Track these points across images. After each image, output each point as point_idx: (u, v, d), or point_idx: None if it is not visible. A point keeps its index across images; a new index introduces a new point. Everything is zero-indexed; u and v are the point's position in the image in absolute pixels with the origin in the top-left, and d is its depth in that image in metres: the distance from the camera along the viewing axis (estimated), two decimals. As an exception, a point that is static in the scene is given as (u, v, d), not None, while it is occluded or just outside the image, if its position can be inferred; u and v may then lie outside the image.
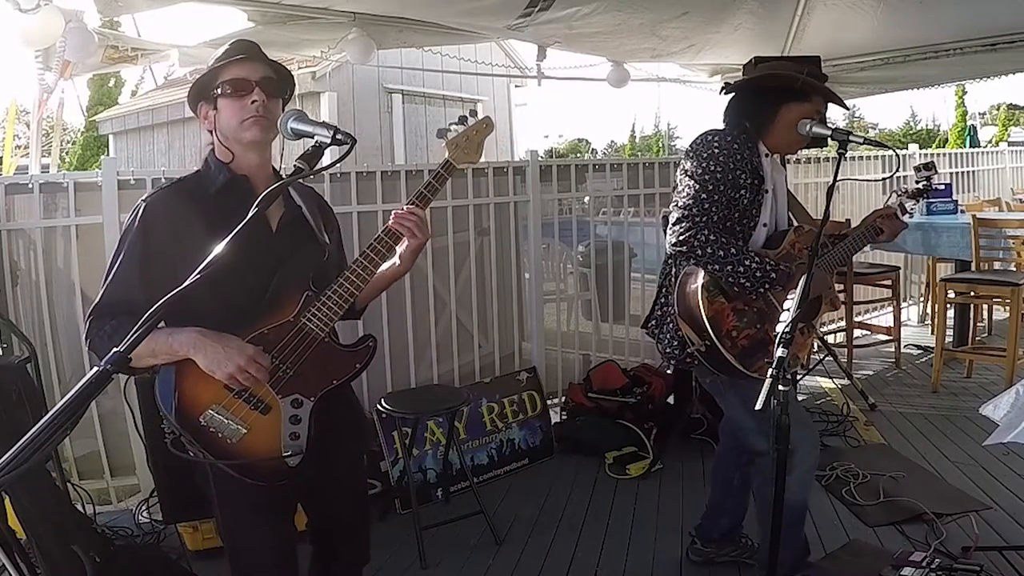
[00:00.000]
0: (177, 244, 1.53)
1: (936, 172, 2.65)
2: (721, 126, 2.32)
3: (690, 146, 2.27)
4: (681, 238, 2.15)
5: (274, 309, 1.58)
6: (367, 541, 1.96)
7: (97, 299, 1.54)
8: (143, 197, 1.60)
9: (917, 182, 2.53)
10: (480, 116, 1.85)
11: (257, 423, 1.53)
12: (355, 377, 1.69)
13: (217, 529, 1.75)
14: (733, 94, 2.34)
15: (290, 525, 1.77)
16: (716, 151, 2.18)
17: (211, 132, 1.65)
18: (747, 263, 2.13)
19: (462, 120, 1.82)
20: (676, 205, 2.21)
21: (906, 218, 2.46)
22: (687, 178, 2.20)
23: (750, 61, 2.41)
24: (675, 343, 2.29)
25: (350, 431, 1.82)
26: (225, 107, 1.61)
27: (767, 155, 2.27)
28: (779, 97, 2.23)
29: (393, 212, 1.72)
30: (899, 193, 2.48)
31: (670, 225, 2.20)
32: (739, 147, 2.18)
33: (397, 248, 1.73)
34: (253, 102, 1.60)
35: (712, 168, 2.16)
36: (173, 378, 1.51)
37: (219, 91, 1.61)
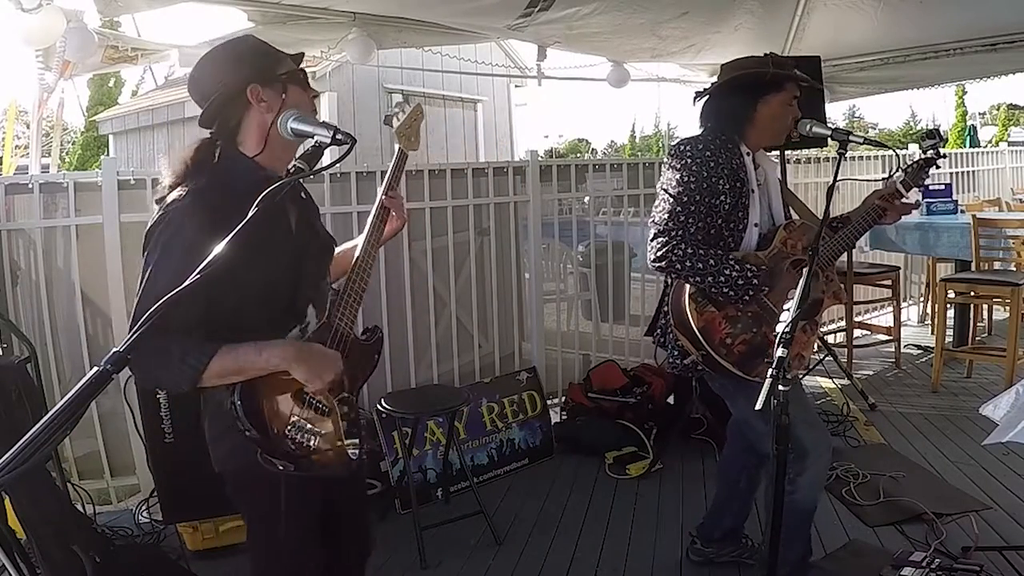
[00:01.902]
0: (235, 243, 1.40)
1: (943, 140, 2.48)
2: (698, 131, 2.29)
3: (666, 158, 2.26)
4: (659, 254, 2.14)
5: (304, 308, 1.60)
6: (369, 531, 1.96)
7: (149, 321, 1.42)
8: (173, 206, 1.46)
9: (924, 151, 2.38)
10: (412, 105, 1.96)
11: (324, 426, 1.56)
12: (375, 369, 1.75)
13: (256, 542, 1.71)
14: (707, 99, 2.31)
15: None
16: (689, 161, 2.16)
17: (245, 116, 1.56)
18: (727, 272, 2.11)
19: (400, 107, 1.93)
20: (653, 221, 2.19)
21: (912, 194, 2.32)
22: (663, 192, 2.19)
23: (724, 65, 2.35)
24: (676, 352, 2.28)
25: None
26: (298, 95, 1.59)
27: (749, 153, 2.24)
28: (754, 93, 2.22)
29: (383, 194, 1.81)
30: (904, 168, 2.34)
31: (648, 241, 2.19)
32: (713, 153, 2.16)
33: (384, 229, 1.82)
34: (314, 97, 1.64)
35: (686, 179, 2.14)
36: (256, 396, 1.48)
37: (289, 76, 1.58)
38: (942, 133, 2.41)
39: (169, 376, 1.39)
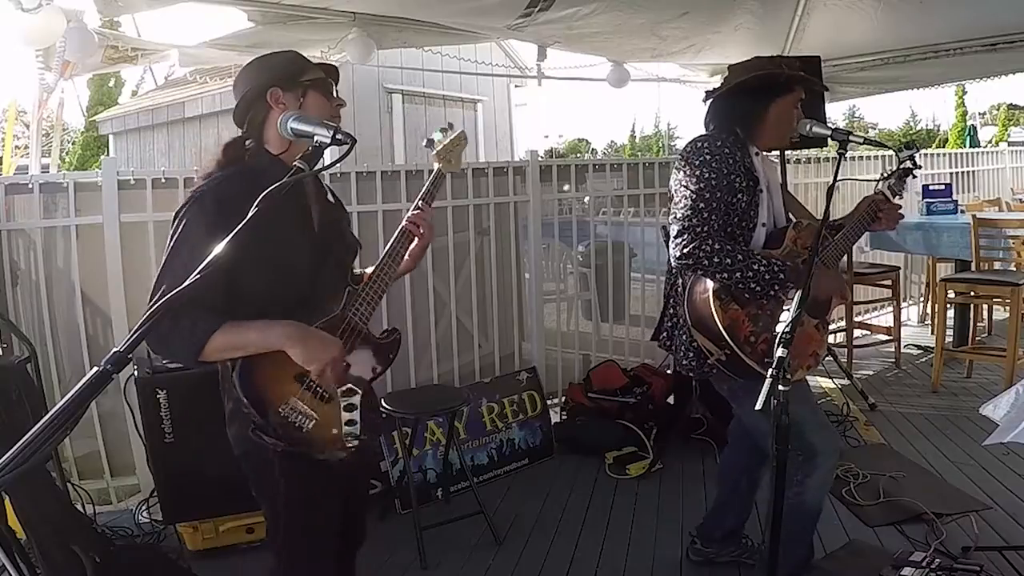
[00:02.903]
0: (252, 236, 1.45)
1: (918, 150, 2.56)
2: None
3: (681, 155, 2.24)
4: (685, 251, 2.11)
5: (322, 304, 1.64)
6: (365, 522, 1.97)
7: (165, 295, 1.39)
8: (200, 190, 1.56)
9: (901, 162, 2.44)
10: (456, 130, 2.02)
11: (322, 412, 1.59)
12: (389, 366, 1.77)
13: (274, 533, 1.72)
14: (712, 101, 2.31)
15: None
16: (708, 157, 2.15)
17: (268, 117, 1.66)
18: (755, 267, 2.09)
19: (444, 131, 1.99)
20: (675, 217, 2.17)
21: (897, 200, 2.39)
22: (683, 188, 2.17)
23: (733, 66, 2.36)
24: (691, 354, 2.25)
25: None
26: (316, 100, 1.69)
27: (757, 153, 2.25)
28: (767, 95, 2.22)
29: (409, 214, 1.86)
30: (884, 178, 2.41)
31: (672, 239, 2.16)
32: (730, 150, 2.16)
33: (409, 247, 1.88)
34: (338, 105, 1.74)
35: (707, 175, 2.13)
36: (254, 372, 1.53)
37: (311, 83, 1.68)
38: (918, 145, 2.50)
39: (179, 344, 1.46)
